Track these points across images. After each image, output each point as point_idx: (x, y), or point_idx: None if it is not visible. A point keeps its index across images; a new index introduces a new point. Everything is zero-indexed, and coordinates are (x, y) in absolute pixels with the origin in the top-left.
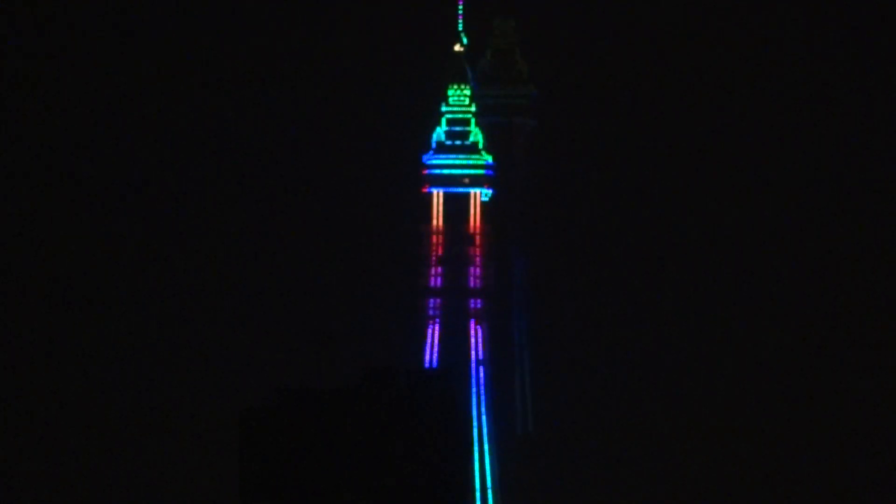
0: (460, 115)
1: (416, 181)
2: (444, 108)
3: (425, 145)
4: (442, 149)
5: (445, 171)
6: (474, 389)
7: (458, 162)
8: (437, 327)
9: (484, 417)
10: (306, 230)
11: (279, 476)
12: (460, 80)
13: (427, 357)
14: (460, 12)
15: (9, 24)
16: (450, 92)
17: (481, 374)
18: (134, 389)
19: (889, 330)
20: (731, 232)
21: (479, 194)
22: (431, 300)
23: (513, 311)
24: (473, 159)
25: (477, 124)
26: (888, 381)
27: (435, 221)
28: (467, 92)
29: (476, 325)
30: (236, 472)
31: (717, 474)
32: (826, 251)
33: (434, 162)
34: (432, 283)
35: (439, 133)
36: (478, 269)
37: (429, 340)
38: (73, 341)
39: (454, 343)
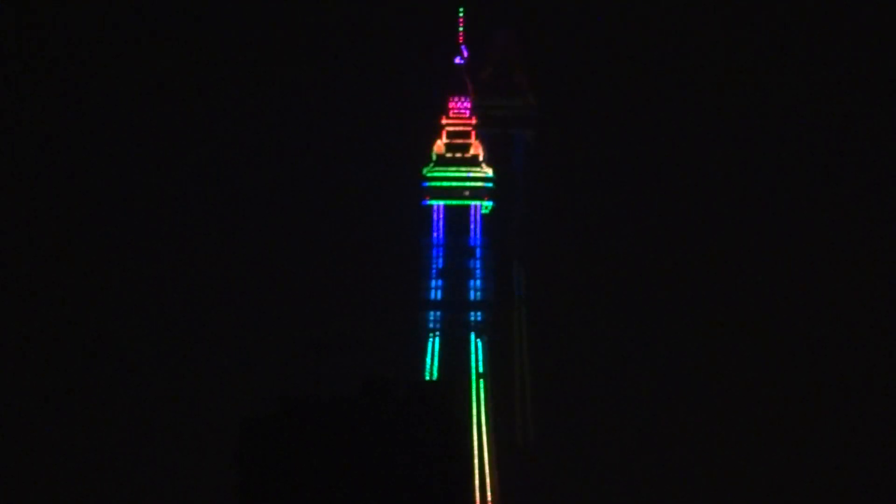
0: (460, 128)
1: (416, 193)
2: (444, 121)
3: (425, 157)
4: (442, 161)
5: (445, 184)
6: (474, 402)
7: (458, 174)
8: (437, 340)
9: (483, 430)
10: (307, 242)
11: (278, 485)
12: (460, 92)
13: (427, 369)
14: (460, 24)
15: (8, 23)
16: (450, 104)
17: (481, 387)
18: (134, 398)
19: (889, 330)
20: (735, 244)
21: (480, 207)
22: (431, 313)
23: (513, 324)
24: (474, 171)
25: (477, 136)
26: (888, 382)
27: (435, 234)
28: (467, 104)
29: (476, 337)
30: (236, 481)
31: (719, 487)
32: (830, 255)
33: (434, 174)
34: (432, 296)
35: (439, 145)
36: (478, 282)
37: (429, 353)
38: (74, 348)
39: (454, 355)
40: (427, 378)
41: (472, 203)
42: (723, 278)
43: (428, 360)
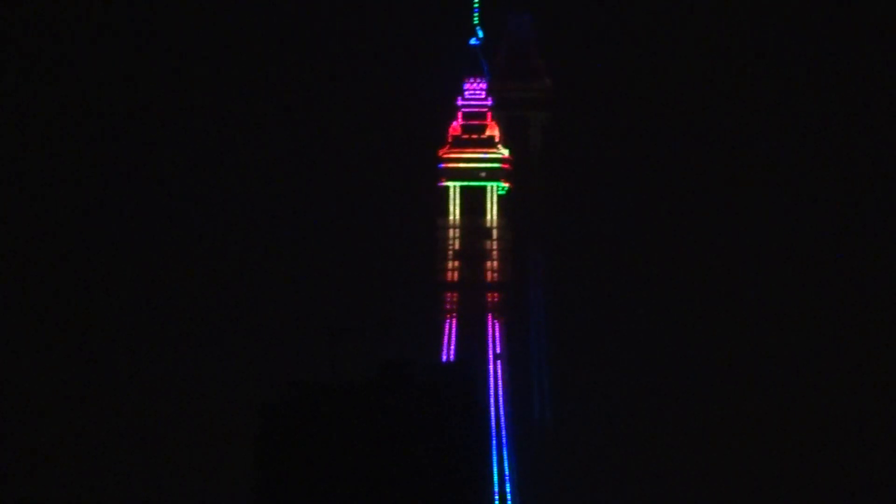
0: (476, 109)
1: (432, 175)
2: (460, 102)
3: (441, 139)
4: (458, 143)
5: (462, 165)
6: (491, 383)
7: (474, 156)
8: (454, 321)
9: (501, 411)
10: (324, 224)
11: (296, 470)
12: (476, 73)
13: (444, 351)
14: (476, 6)
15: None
16: (465, 86)
17: (498, 368)
18: (151, 385)
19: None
20: (750, 225)
21: (496, 188)
22: (448, 294)
23: (530, 305)
24: (490, 153)
25: (493, 118)
26: (889, 382)
27: (451, 215)
28: (483, 86)
29: (493, 319)
30: (254, 466)
31: (734, 467)
32: (839, 258)
33: (450, 156)
34: (449, 278)
35: (455, 127)
36: (494, 263)
37: (446, 334)
38: (86, 339)
39: (471, 337)
40: (444, 360)
41: (489, 184)
42: (742, 258)
43: (445, 341)
